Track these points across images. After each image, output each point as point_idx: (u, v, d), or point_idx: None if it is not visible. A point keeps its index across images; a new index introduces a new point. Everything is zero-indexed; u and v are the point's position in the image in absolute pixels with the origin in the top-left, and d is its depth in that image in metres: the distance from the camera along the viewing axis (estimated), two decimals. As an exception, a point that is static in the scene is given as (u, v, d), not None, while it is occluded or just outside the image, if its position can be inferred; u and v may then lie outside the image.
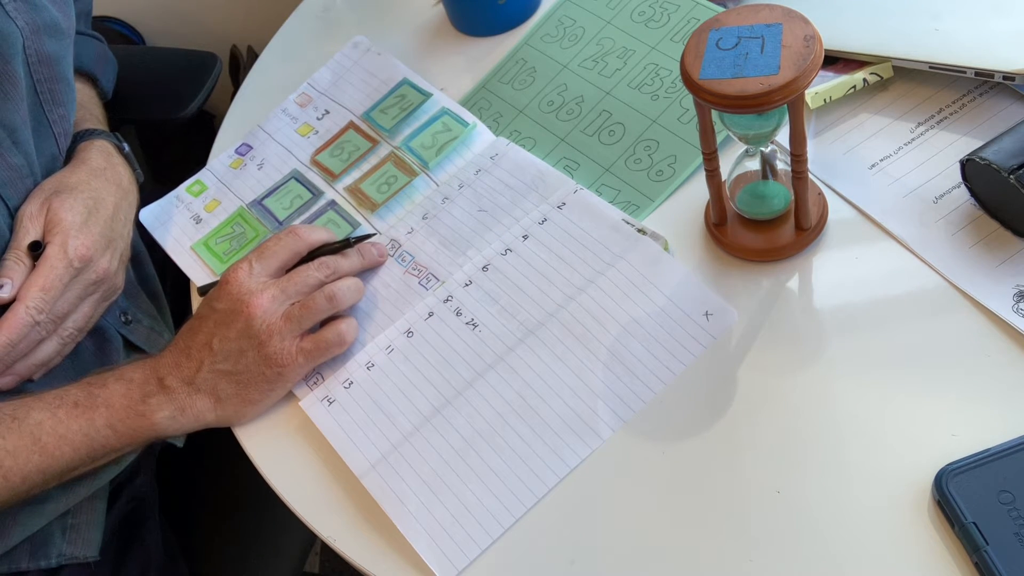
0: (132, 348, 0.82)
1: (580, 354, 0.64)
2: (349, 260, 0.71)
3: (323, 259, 0.69)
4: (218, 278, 0.71)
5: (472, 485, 0.60)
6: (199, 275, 0.77)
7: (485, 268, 0.70)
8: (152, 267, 0.90)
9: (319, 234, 0.71)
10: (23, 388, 0.71)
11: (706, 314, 0.63)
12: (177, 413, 0.65)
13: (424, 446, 0.63)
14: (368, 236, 0.73)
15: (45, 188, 0.72)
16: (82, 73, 0.87)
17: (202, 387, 0.65)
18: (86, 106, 0.85)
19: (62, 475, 0.66)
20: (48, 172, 0.76)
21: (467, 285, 0.70)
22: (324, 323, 0.68)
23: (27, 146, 0.72)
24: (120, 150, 0.81)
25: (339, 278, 0.69)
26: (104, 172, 0.77)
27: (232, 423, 0.67)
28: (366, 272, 0.73)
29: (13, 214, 0.71)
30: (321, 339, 0.66)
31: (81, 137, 0.79)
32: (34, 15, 0.73)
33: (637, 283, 0.66)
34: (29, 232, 0.69)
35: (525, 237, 0.71)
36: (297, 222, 0.78)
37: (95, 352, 0.78)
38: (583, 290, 0.67)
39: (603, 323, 0.65)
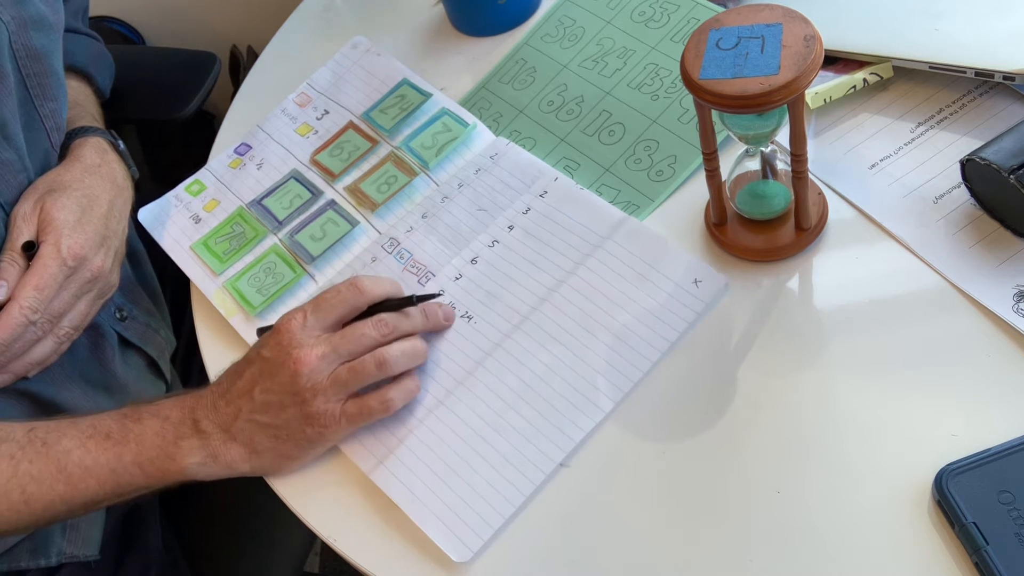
0: (127, 345, 0.82)
1: (576, 333, 0.65)
2: (411, 320, 0.66)
3: (382, 316, 0.64)
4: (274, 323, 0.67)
5: (480, 469, 0.61)
6: (198, 275, 0.77)
7: (474, 261, 0.71)
8: (150, 265, 0.90)
9: (382, 287, 0.66)
10: (18, 385, 0.71)
11: (695, 281, 0.65)
12: (209, 460, 0.62)
13: (430, 437, 0.63)
14: (434, 296, 0.69)
15: (39, 187, 0.72)
16: (77, 71, 0.86)
17: (238, 436, 0.62)
18: (82, 104, 0.84)
19: (87, 507, 0.64)
20: (41, 167, 0.75)
21: (457, 279, 0.70)
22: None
23: (18, 141, 0.72)
24: (115, 147, 0.80)
25: (397, 338, 0.64)
26: (98, 169, 0.76)
27: (268, 475, 0.65)
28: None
29: (7, 210, 0.71)
30: (366, 406, 0.62)
31: (76, 134, 0.79)
32: (20, 9, 0.73)
33: (625, 260, 0.67)
34: (23, 232, 0.69)
35: (511, 228, 0.72)
36: (297, 222, 0.78)
37: (90, 348, 0.78)
38: (573, 272, 0.68)
39: (595, 301, 0.66)
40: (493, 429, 0.62)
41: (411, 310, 0.66)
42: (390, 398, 0.63)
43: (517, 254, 0.70)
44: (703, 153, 0.62)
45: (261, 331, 0.71)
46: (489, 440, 0.62)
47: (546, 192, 0.72)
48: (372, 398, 0.63)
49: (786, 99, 0.53)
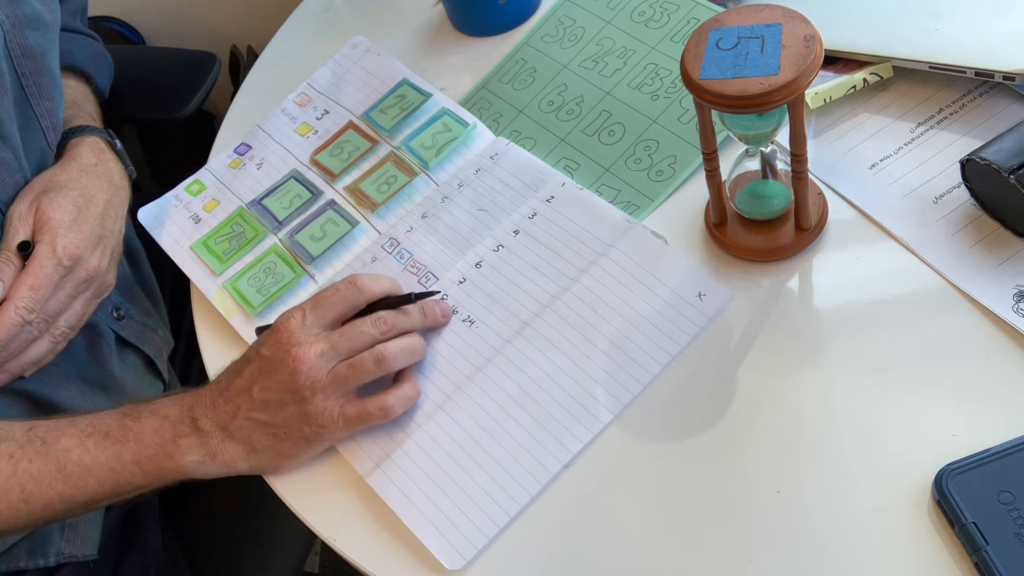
0: (124, 344, 0.82)
1: (577, 342, 0.65)
2: (409, 317, 0.65)
3: (381, 314, 0.64)
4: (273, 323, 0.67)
5: (477, 477, 0.61)
6: (198, 275, 0.77)
7: (478, 265, 0.71)
8: (148, 265, 0.90)
9: (381, 285, 0.66)
10: (15, 385, 0.71)
11: (699, 295, 0.64)
12: (207, 458, 0.62)
13: (427, 442, 0.63)
14: (432, 293, 0.69)
15: (35, 187, 0.72)
16: (76, 71, 0.86)
17: (236, 434, 0.62)
18: (80, 103, 0.84)
19: (86, 506, 0.64)
20: (38, 167, 0.75)
21: (461, 282, 0.70)
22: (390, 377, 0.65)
23: (14, 140, 0.72)
24: (112, 146, 0.80)
25: (396, 335, 0.64)
26: (95, 168, 0.76)
27: (266, 473, 0.65)
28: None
29: (3, 210, 0.71)
30: (364, 410, 0.62)
31: (73, 133, 0.79)
32: (15, 8, 0.73)
33: (629, 269, 0.66)
34: (18, 232, 0.69)
35: (516, 232, 0.71)
36: (297, 222, 0.78)
37: (87, 348, 0.78)
38: (576, 280, 0.67)
39: (597, 310, 0.65)
40: (491, 437, 0.62)
41: (409, 308, 0.66)
42: (389, 405, 0.62)
43: (522, 259, 0.70)
44: (703, 153, 0.62)
45: (260, 330, 0.71)
46: (487, 448, 0.62)
47: (553, 197, 0.72)
48: (371, 403, 0.62)
49: (786, 99, 0.53)
